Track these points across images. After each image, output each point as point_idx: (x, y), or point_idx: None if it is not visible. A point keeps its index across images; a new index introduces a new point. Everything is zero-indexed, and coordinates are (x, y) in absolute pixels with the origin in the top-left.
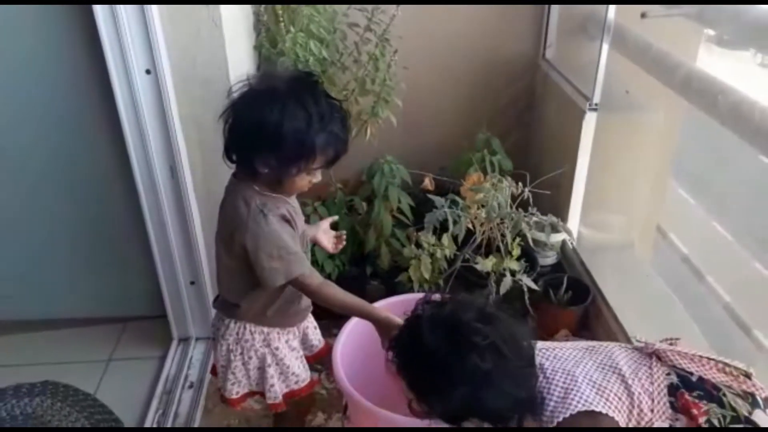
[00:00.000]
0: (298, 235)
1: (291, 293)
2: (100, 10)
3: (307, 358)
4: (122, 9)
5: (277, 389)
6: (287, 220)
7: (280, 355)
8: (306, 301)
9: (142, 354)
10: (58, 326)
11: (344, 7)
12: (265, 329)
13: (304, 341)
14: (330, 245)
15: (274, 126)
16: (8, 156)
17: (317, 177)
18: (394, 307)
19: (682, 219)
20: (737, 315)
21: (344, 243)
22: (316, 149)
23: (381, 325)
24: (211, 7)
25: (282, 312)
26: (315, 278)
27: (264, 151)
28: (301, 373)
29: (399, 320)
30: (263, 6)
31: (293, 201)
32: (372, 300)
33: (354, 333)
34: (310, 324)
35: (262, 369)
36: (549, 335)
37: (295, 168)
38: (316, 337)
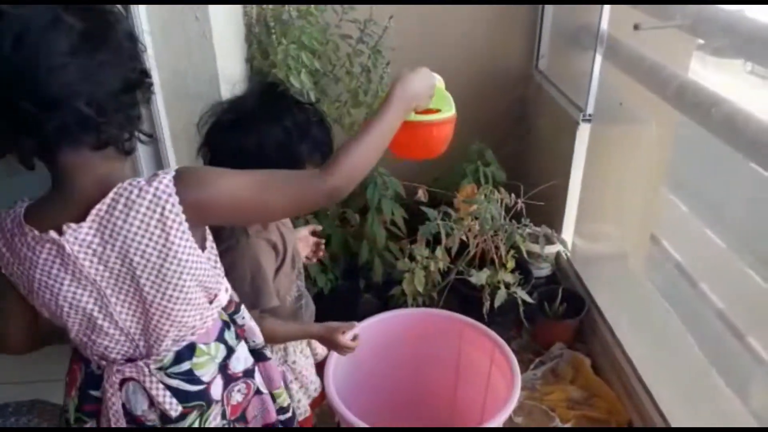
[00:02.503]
0: (288, 256)
1: (291, 308)
2: None
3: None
4: None
5: (304, 402)
6: (274, 246)
7: (298, 368)
8: (310, 310)
9: None
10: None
11: (337, 18)
12: (281, 346)
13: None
14: (306, 251)
15: (255, 150)
16: None
17: None
18: (387, 323)
19: (676, 227)
20: (730, 322)
21: (323, 251)
22: (303, 159)
23: (324, 337)
24: (202, 20)
25: (301, 321)
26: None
27: None
28: (315, 379)
29: (336, 324)
30: (255, 18)
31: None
32: (365, 315)
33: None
34: None
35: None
36: (544, 348)
37: None
38: (319, 345)
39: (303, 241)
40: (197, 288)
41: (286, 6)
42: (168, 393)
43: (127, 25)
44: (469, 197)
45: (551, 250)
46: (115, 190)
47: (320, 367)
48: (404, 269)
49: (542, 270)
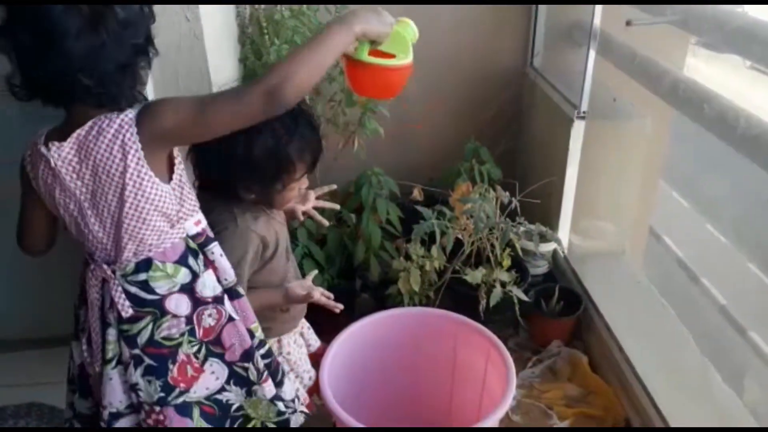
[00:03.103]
0: (280, 250)
1: None
2: None
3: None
4: None
5: (302, 391)
6: (263, 239)
7: (293, 359)
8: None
9: None
10: (45, 345)
11: (329, 18)
12: (275, 338)
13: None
14: (299, 206)
15: (242, 153)
16: None
17: (305, 183)
18: (383, 322)
19: (677, 223)
20: (732, 317)
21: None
22: (293, 159)
23: (289, 300)
24: (192, 21)
25: (287, 318)
26: None
27: (244, 180)
28: (309, 368)
29: (292, 284)
30: (247, 18)
31: (279, 214)
32: (361, 315)
33: (342, 348)
34: (304, 324)
35: None
36: (542, 346)
37: (280, 184)
38: (312, 336)
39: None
40: (154, 212)
41: (279, 6)
42: (124, 296)
43: (125, 14)
44: (464, 196)
45: (546, 248)
46: (93, 119)
47: (314, 358)
48: (400, 269)
49: (539, 268)
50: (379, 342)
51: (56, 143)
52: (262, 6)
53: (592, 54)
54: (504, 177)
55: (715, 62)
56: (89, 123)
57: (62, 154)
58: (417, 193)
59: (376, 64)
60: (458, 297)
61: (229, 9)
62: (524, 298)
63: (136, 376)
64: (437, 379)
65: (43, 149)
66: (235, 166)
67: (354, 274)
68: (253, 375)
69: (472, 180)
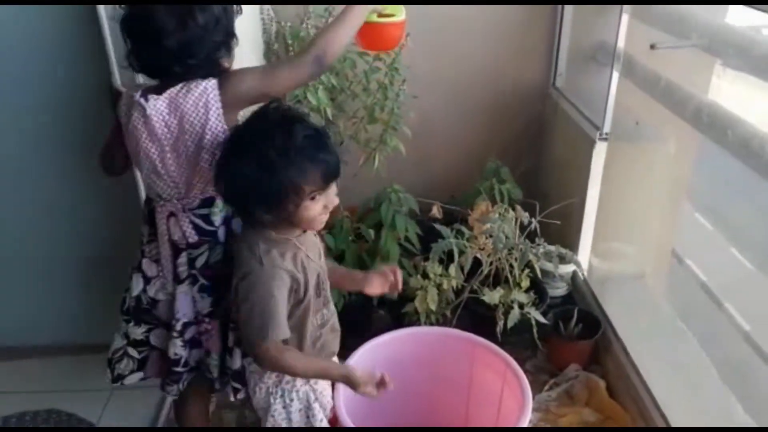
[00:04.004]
0: (311, 285)
1: (314, 335)
2: (108, 35)
3: None
4: None
5: (326, 422)
6: (292, 275)
7: (320, 388)
8: (333, 334)
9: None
10: (64, 353)
11: None
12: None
13: None
14: (379, 288)
15: (241, 181)
16: (9, 179)
17: (329, 199)
18: (400, 341)
19: (701, 246)
20: (757, 344)
21: (398, 284)
22: (296, 181)
23: (349, 382)
24: None
25: (322, 348)
26: (279, 347)
27: (253, 204)
28: (331, 400)
29: (359, 374)
30: (273, 35)
31: (307, 239)
32: (377, 331)
33: (358, 365)
34: None
35: (306, 410)
36: (559, 369)
37: (291, 204)
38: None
39: (381, 277)
40: None
41: (304, 23)
42: (191, 225)
43: (204, 19)
44: (484, 215)
45: (565, 269)
46: (183, 82)
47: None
48: (417, 286)
49: (558, 290)
50: (394, 360)
51: (154, 95)
52: (288, 23)
53: (615, 75)
54: (524, 197)
55: (741, 83)
56: (180, 84)
57: (157, 105)
58: (436, 211)
59: (381, 22)
60: (475, 317)
61: (256, 25)
62: (542, 320)
63: (194, 291)
64: (453, 399)
65: (141, 100)
66: (241, 193)
67: None
68: None
69: (492, 199)
